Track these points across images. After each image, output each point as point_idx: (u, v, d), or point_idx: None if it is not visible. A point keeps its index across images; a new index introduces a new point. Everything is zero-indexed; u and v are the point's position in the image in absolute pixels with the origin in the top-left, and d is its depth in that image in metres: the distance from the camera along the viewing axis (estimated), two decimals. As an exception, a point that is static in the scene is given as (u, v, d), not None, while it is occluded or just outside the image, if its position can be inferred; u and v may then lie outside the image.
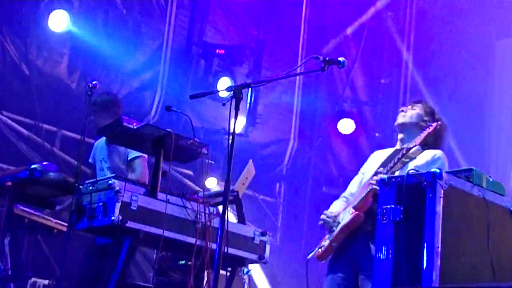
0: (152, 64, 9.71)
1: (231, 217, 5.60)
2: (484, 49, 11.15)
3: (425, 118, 4.85)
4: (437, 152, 4.70)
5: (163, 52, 9.77)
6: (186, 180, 9.78)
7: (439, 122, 4.59)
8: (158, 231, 4.75)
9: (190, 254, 4.78)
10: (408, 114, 4.88)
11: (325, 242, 4.76)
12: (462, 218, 3.89)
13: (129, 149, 5.90)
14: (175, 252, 5.97)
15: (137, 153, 5.91)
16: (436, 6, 11.65)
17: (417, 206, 3.80)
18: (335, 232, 4.69)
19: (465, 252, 3.87)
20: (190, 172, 9.79)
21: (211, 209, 5.03)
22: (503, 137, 10.62)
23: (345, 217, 4.67)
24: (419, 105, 4.96)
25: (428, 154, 4.66)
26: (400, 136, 4.90)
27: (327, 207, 4.97)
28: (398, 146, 4.89)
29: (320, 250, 4.78)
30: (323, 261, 4.82)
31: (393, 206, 3.89)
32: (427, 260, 3.69)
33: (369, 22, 11.53)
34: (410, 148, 4.55)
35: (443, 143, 4.86)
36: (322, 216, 4.80)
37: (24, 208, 5.65)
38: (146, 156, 5.91)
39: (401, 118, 4.89)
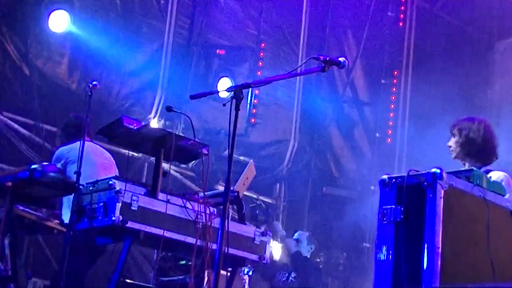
0: (153, 64, 9.72)
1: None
2: (484, 49, 11.16)
3: (464, 141, 4.96)
4: (501, 175, 4.77)
5: (163, 52, 9.78)
6: (186, 180, 9.80)
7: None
8: (159, 231, 4.75)
9: (190, 254, 4.78)
10: (454, 149, 4.99)
11: None
12: (462, 219, 3.89)
13: None
14: (176, 252, 5.97)
15: None
16: (437, 6, 11.66)
17: (418, 207, 3.80)
18: None
19: (465, 252, 3.87)
20: (190, 173, 9.81)
21: (211, 209, 5.03)
22: (503, 137, 10.61)
23: None
24: (456, 130, 5.03)
25: (494, 177, 4.67)
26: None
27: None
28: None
29: None
30: None
31: (393, 206, 3.89)
32: (427, 260, 3.68)
33: (369, 22, 11.53)
34: None
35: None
36: None
37: (24, 208, 5.64)
38: None
39: (453, 155, 5.01)
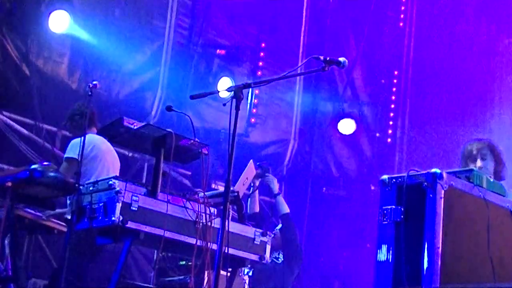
0: (153, 64, 9.71)
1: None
2: (485, 49, 11.15)
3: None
4: None
5: (163, 52, 9.77)
6: (185, 180, 9.79)
7: None
8: (159, 232, 4.75)
9: (190, 255, 4.78)
10: (489, 173, 5.05)
11: None
12: (462, 219, 3.89)
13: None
14: (176, 253, 5.97)
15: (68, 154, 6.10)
16: (437, 7, 11.65)
17: (418, 207, 3.80)
18: None
19: (465, 252, 3.87)
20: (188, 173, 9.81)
21: (212, 209, 5.03)
22: (504, 136, 10.62)
23: None
24: (494, 154, 5.27)
25: None
26: None
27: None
28: None
29: None
30: None
31: (393, 206, 3.89)
32: (427, 260, 3.69)
33: (369, 23, 11.53)
34: None
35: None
36: None
37: (24, 208, 5.64)
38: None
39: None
